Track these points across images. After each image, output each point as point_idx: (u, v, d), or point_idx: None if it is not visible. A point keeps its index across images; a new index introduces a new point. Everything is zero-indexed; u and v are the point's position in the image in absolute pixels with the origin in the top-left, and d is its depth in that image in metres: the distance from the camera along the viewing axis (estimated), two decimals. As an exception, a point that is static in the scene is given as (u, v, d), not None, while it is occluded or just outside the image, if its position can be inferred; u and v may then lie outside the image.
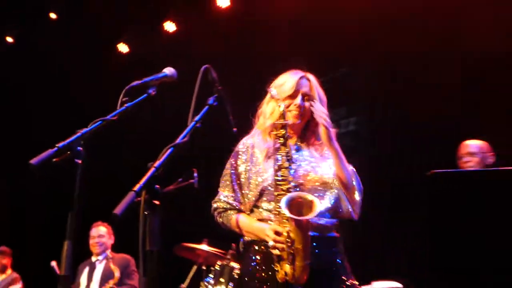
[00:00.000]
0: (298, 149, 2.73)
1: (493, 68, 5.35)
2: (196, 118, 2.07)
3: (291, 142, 2.71)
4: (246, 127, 2.84)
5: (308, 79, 2.74)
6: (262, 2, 6.68)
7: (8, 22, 7.94)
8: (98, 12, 7.45)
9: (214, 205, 2.79)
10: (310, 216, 2.37)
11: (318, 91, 2.76)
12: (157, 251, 1.77)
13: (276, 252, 2.44)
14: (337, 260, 2.62)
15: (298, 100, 2.66)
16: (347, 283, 2.60)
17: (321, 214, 2.51)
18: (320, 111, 2.59)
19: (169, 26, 7.57)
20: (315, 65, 2.94)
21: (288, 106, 2.63)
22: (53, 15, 7.93)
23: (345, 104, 6.36)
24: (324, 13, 6.23)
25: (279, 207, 2.43)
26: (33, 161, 1.82)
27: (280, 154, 2.52)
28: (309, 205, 2.40)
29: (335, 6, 6.14)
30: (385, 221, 5.89)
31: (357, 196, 2.62)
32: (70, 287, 5.18)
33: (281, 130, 2.55)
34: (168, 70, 2.33)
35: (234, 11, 7.02)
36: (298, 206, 2.41)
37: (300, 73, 2.75)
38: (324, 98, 2.78)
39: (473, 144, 3.81)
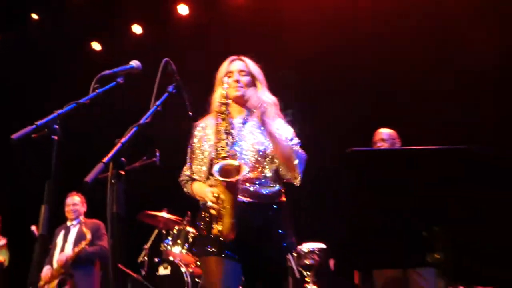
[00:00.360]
0: (244, 122, 2.67)
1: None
2: (157, 102, 2.04)
3: (240, 115, 2.68)
4: (201, 113, 2.80)
5: (242, 60, 2.71)
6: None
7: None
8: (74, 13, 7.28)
9: (179, 179, 2.77)
10: (235, 179, 2.35)
11: (253, 68, 2.71)
12: (122, 214, 1.74)
13: (213, 212, 2.42)
14: (280, 223, 2.57)
15: (234, 76, 2.64)
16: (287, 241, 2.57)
17: (263, 183, 2.53)
18: (253, 95, 2.54)
19: (137, 29, 7.51)
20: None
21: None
22: (34, 16, 7.68)
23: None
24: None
25: None
26: (14, 136, 1.77)
27: (221, 129, 2.50)
28: (237, 169, 2.39)
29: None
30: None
31: (296, 167, 2.54)
32: (47, 245, 5.06)
33: (221, 108, 2.54)
34: (134, 63, 2.27)
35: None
36: (227, 172, 2.38)
37: (234, 57, 2.74)
38: (261, 76, 2.72)
39: (384, 132, 3.89)
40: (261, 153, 2.55)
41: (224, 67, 2.70)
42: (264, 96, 2.61)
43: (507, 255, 1.69)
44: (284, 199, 2.63)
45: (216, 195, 2.40)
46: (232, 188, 2.37)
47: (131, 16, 7.48)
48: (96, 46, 7.84)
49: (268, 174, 2.56)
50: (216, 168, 2.38)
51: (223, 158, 2.45)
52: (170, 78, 2.21)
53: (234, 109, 2.68)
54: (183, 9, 7.12)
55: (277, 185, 2.59)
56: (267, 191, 2.54)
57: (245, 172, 2.39)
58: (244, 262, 2.47)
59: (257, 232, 2.47)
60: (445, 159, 1.53)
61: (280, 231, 2.54)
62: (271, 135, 2.51)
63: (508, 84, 5.01)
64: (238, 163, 2.41)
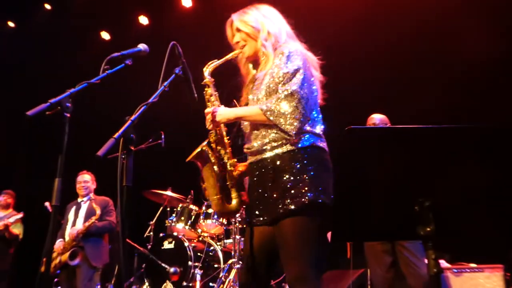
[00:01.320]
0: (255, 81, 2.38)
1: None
2: (165, 83, 2.01)
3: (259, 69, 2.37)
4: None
5: (232, 20, 2.40)
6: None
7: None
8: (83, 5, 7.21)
9: None
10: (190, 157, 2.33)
11: (242, 19, 2.35)
12: (131, 186, 1.72)
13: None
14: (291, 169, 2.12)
15: (234, 39, 2.39)
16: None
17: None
18: (208, 115, 2.27)
19: (143, 20, 7.45)
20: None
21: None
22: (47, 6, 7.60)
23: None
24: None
25: None
26: (29, 112, 1.74)
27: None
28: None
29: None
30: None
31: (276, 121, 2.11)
32: (59, 216, 5.05)
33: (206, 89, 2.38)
34: (142, 46, 2.25)
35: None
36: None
37: (228, 23, 2.44)
38: (251, 17, 2.34)
39: (376, 117, 3.90)
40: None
41: (228, 34, 2.45)
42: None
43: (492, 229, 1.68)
44: None
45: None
46: (201, 167, 2.34)
47: (138, 7, 7.42)
48: (105, 35, 7.79)
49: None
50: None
51: None
52: (177, 60, 2.17)
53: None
54: (186, 2, 7.09)
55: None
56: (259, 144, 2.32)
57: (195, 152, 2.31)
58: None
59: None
60: (435, 137, 1.51)
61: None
62: (238, 118, 2.25)
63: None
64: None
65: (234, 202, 2.33)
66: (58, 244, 4.99)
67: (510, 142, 1.50)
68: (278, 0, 2.59)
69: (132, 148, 1.71)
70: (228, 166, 2.34)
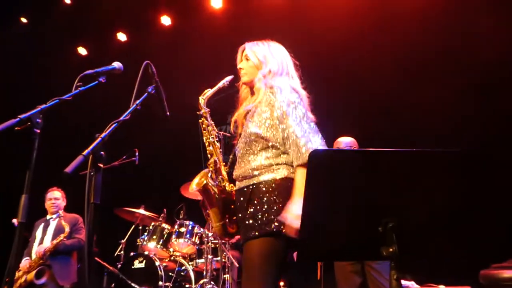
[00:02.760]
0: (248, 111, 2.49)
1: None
2: (137, 102, 2.03)
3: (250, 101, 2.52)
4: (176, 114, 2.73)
5: (245, 47, 2.56)
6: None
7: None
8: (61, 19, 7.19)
9: None
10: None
11: (253, 49, 2.51)
12: (99, 204, 1.72)
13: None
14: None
15: (240, 64, 2.54)
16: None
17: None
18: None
19: (121, 36, 7.49)
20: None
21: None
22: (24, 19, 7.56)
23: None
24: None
25: None
26: (-3, 128, 1.73)
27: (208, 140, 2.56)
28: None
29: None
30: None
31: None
32: (26, 233, 4.95)
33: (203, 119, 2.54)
34: (116, 64, 2.26)
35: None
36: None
37: (240, 48, 2.60)
38: (260, 50, 2.50)
39: (342, 140, 3.95)
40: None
41: (238, 59, 2.60)
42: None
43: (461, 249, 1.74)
44: None
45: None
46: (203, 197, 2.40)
47: (116, 24, 7.44)
48: (82, 50, 7.77)
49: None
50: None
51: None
52: (150, 79, 2.20)
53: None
54: (166, 20, 7.15)
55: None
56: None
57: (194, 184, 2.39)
58: None
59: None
60: (398, 160, 1.57)
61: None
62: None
63: None
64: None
65: (235, 225, 2.44)
66: (24, 262, 4.87)
67: (473, 165, 1.57)
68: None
69: (101, 166, 1.71)
70: (228, 190, 2.45)
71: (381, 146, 1.54)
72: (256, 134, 2.30)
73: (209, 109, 2.49)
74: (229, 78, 2.53)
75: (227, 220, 2.41)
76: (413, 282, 3.97)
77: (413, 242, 1.67)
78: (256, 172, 2.27)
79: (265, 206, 2.20)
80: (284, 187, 2.22)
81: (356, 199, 1.59)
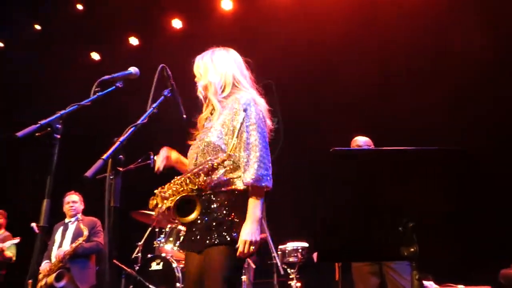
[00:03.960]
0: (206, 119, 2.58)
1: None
2: (154, 105, 2.04)
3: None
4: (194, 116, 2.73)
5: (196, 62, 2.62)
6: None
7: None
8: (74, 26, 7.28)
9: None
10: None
11: (198, 63, 2.58)
12: (119, 207, 1.74)
13: None
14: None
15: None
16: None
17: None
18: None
19: (133, 41, 7.56)
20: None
21: None
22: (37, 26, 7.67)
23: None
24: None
25: None
26: (19, 133, 1.76)
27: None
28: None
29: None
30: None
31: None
32: (46, 236, 5.01)
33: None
34: (133, 69, 2.28)
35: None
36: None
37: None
38: (209, 64, 2.54)
39: (360, 139, 3.94)
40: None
41: None
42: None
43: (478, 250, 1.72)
44: None
45: None
46: None
47: (128, 28, 7.50)
48: (95, 56, 7.85)
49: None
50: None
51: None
52: (166, 83, 2.21)
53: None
54: (177, 23, 7.20)
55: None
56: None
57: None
58: None
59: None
60: (419, 158, 1.56)
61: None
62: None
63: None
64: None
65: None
66: (44, 265, 4.93)
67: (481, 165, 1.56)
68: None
69: (121, 169, 1.73)
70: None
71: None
72: (212, 143, 2.34)
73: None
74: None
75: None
76: (431, 282, 3.93)
77: (434, 242, 1.66)
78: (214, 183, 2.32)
79: (223, 216, 2.26)
80: (239, 200, 2.29)
81: (376, 198, 1.58)
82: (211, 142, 2.34)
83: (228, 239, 2.21)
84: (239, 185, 2.30)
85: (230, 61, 2.55)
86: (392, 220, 1.60)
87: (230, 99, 2.43)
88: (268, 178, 2.25)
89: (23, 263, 5.73)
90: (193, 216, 2.31)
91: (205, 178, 2.27)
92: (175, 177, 2.42)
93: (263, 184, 2.22)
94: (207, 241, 2.25)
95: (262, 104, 2.46)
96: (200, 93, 2.53)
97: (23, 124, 1.85)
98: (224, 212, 2.27)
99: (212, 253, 2.22)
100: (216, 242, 2.22)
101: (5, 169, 7.82)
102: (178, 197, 2.29)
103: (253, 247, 2.19)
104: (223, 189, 2.31)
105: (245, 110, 2.32)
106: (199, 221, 2.32)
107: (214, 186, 2.31)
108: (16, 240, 5.76)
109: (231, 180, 2.31)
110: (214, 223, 2.26)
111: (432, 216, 1.61)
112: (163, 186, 2.44)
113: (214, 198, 2.31)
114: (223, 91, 2.47)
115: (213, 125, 2.40)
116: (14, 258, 5.91)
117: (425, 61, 5.56)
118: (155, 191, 2.46)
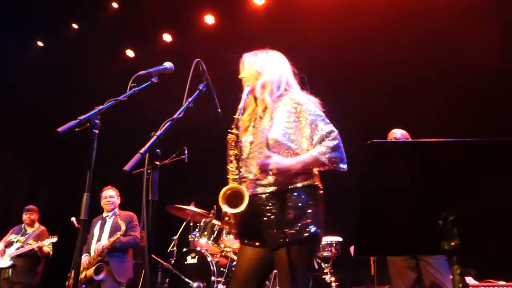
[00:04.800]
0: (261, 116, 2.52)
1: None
2: (189, 99, 2.06)
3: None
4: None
5: (243, 60, 2.60)
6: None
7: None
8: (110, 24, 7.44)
9: None
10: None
11: (253, 60, 2.55)
12: (157, 201, 1.76)
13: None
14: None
15: (241, 74, 2.57)
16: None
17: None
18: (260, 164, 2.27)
19: (167, 37, 7.66)
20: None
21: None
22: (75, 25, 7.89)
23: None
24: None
25: None
26: (60, 129, 1.81)
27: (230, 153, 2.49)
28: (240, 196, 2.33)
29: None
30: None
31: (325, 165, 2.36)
32: (88, 230, 5.16)
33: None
34: (168, 64, 2.31)
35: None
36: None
37: (241, 60, 2.63)
38: (267, 62, 2.53)
39: (397, 131, 3.91)
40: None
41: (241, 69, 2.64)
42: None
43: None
44: None
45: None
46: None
47: (161, 25, 7.60)
48: (130, 53, 7.99)
49: None
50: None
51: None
52: (201, 77, 2.22)
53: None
54: (209, 19, 7.24)
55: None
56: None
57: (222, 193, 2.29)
58: None
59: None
60: (459, 150, 1.51)
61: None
62: (287, 171, 2.29)
63: None
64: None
65: None
66: (84, 258, 5.06)
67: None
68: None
69: (158, 163, 1.75)
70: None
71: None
72: (276, 140, 2.32)
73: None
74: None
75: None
76: (470, 278, 3.83)
77: (474, 236, 1.61)
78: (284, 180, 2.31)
79: (298, 211, 2.26)
80: (312, 193, 2.34)
81: (415, 191, 1.55)
82: (276, 140, 2.32)
83: (307, 234, 2.24)
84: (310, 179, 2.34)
85: (284, 63, 2.59)
86: (431, 213, 1.57)
87: (283, 100, 2.44)
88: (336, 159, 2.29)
89: (58, 256, 5.93)
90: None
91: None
92: None
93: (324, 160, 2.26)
94: (282, 239, 2.25)
95: (316, 102, 2.47)
96: (255, 92, 2.48)
97: (60, 122, 1.91)
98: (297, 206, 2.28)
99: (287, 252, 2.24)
100: (294, 238, 2.24)
101: (43, 164, 8.07)
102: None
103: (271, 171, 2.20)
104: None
105: (302, 109, 2.35)
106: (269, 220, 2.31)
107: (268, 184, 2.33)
108: (54, 239, 5.94)
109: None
110: (287, 221, 2.26)
111: (474, 209, 1.56)
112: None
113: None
114: (278, 91, 2.48)
115: (272, 123, 2.37)
116: (51, 253, 6.11)
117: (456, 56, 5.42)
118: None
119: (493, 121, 4.97)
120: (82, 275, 4.97)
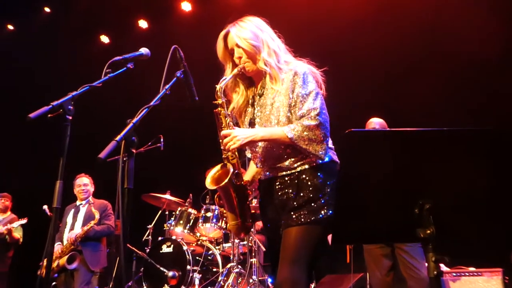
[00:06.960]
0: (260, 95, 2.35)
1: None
2: (166, 86, 2.02)
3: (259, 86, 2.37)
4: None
5: (228, 33, 2.34)
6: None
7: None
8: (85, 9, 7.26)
9: None
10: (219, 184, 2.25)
11: (244, 35, 2.28)
12: (132, 189, 1.73)
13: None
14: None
15: (235, 54, 2.32)
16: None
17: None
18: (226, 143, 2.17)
19: (143, 24, 7.53)
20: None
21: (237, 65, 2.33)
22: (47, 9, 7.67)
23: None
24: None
25: None
26: (32, 115, 1.75)
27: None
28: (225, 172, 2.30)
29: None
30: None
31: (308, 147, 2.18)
32: (61, 218, 5.07)
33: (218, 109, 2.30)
34: (144, 50, 2.25)
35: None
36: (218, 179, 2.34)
37: (221, 35, 2.36)
38: (251, 33, 2.28)
39: (375, 120, 3.94)
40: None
41: (219, 51, 2.38)
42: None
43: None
44: None
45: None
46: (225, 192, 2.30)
47: (137, 11, 7.46)
48: (104, 39, 7.83)
49: None
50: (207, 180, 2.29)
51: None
52: (178, 64, 2.18)
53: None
54: (186, 6, 7.15)
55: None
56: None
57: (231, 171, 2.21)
58: None
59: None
60: (435, 139, 1.53)
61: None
62: (263, 140, 2.20)
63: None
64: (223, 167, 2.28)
65: (250, 220, 2.40)
66: (56, 247, 4.98)
67: (510, 144, 1.52)
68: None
69: (134, 151, 1.72)
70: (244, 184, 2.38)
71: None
72: (287, 117, 2.19)
73: (226, 98, 2.34)
74: (242, 65, 2.32)
75: (241, 219, 2.36)
76: (442, 265, 3.92)
77: (449, 224, 1.64)
78: (298, 161, 2.21)
79: (316, 191, 2.16)
80: (331, 170, 2.20)
81: (391, 180, 1.56)
82: (286, 116, 2.19)
83: (320, 216, 2.15)
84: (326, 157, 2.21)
85: (270, 29, 2.37)
86: (407, 202, 1.58)
87: (284, 71, 2.25)
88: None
89: (30, 245, 5.82)
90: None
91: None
92: None
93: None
94: (295, 219, 2.17)
95: (317, 72, 2.30)
96: (261, 68, 2.26)
97: (33, 107, 1.84)
98: (315, 186, 2.17)
99: (294, 232, 2.16)
100: (307, 220, 2.14)
101: (13, 151, 7.87)
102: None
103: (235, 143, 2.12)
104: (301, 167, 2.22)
105: (296, 81, 2.18)
106: (279, 202, 2.25)
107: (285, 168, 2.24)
108: (24, 220, 5.80)
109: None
110: (303, 201, 2.17)
111: (449, 196, 1.58)
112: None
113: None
114: (279, 62, 2.27)
115: (280, 104, 2.21)
116: (21, 240, 5.99)
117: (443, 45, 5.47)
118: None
119: (484, 110, 5.03)
120: (54, 264, 4.89)
